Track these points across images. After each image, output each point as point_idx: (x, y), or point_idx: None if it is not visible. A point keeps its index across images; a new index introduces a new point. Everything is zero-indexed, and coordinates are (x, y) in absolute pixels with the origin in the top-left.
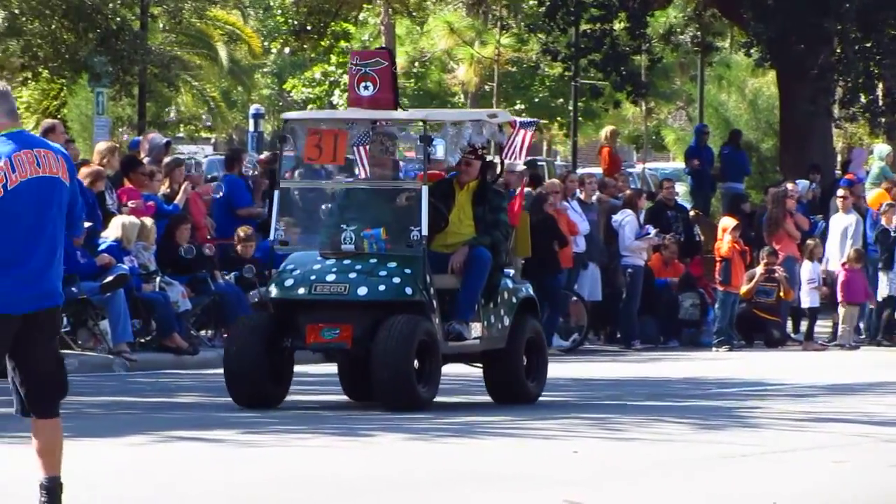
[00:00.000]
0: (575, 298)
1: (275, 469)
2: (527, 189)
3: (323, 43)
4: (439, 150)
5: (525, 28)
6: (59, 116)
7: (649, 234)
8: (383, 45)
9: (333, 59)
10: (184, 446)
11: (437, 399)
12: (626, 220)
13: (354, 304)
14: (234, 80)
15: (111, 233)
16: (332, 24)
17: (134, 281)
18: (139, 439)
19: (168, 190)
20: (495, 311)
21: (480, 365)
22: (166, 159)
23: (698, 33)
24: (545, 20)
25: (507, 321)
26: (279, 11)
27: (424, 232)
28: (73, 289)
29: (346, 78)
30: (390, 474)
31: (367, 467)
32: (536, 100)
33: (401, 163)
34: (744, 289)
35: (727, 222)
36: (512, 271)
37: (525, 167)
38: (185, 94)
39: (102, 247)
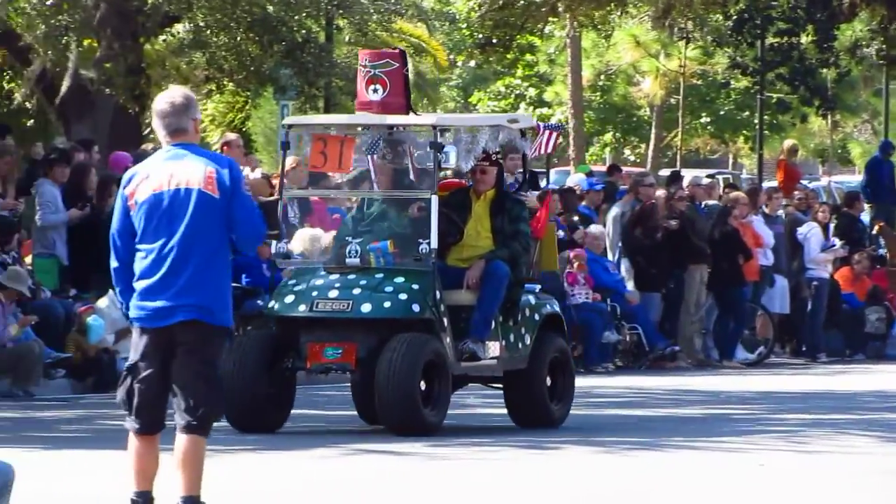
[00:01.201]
0: (761, 312)
1: (464, 482)
2: (712, 202)
3: (508, 56)
4: (451, 156)
5: (711, 42)
6: (243, 129)
7: (834, 246)
8: (569, 60)
9: (519, 72)
10: (373, 459)
11: (623, 412)
12: (811, 232)
13: (358, 322)
14: (419, 92)
15: (295, 246)
16: (518, 37)
17: None
18: (327, 452)
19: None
20: (515, 329)
21: (500, 386)
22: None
23: (883, 46)
24: (732, 34)
25: (528, 340)
26: (464, 24)
27: (434, 245)
28: (259, 301)
29: (531, 91)
30: (576, 487)
31: (553, 480)
32: (722, 112)
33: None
34: None
35: None
36: (537, 287)
37: (710, 180)
38: None
39: None
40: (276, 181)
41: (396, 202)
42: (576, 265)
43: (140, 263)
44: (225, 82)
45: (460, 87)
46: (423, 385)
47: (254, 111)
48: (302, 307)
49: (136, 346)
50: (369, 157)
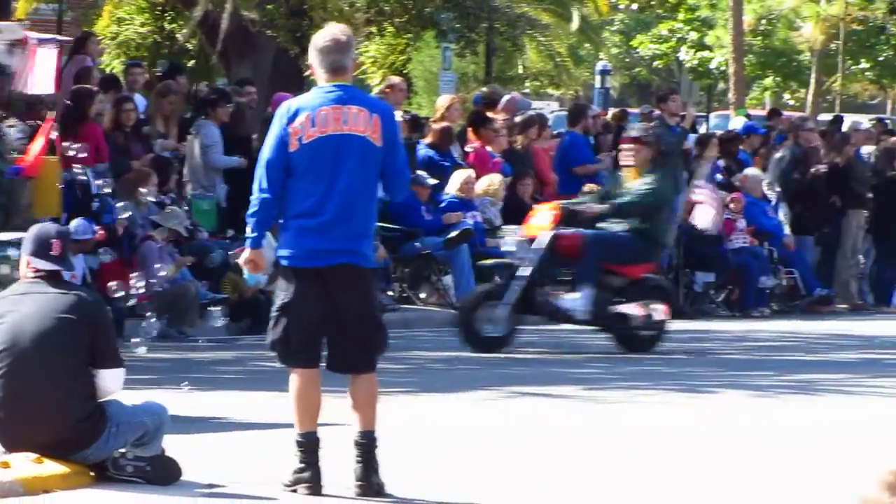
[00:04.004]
0: None
1: (623, 422)
2: (872, 147)
3: (671, 0)
4: None
5: None
6: (404, 72)
7: None
8: (730, 3)
9: (681, 15)
10: (529, 402)
11: (779, 356)
12: None
13: None
14: (583, 36)
15: (450, 187)
16: None
17: (478, 236)
18: (484, 395)
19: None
20: None
21: None
22: (518, 118)
23: None
24: None
25: None
26: None
27: None
28: (417, 244)
29: (692, 35)
30: (732, 430)
31: (709, 422)
32: (882, 58)
33: None
34: None
35: None
36: None
37: (871, 125)
38: (530, 50)
39: (443, 203)
40: (438, 125)
41: None
42: (734, 209)
43: (297, 203)
44: (386, 25)
45: (622, 33)
46: None
47: (415, 54)
48: None
49: (287, 286)
50: None
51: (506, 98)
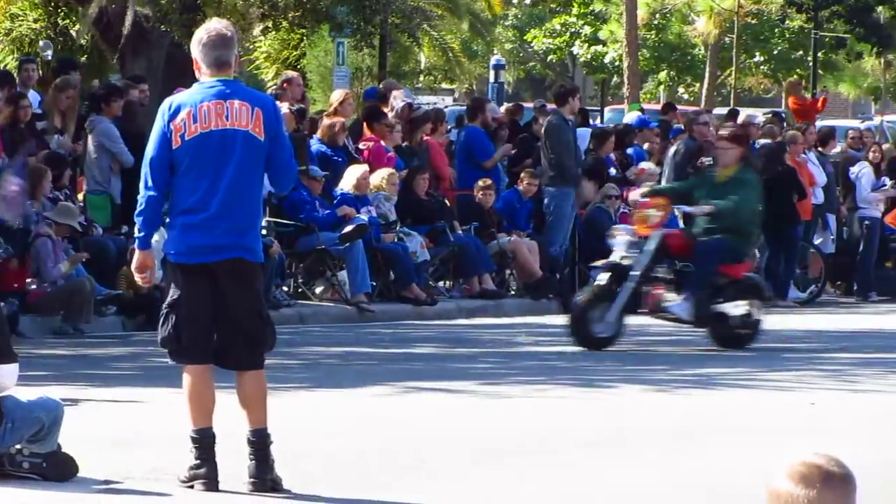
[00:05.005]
0: (813, 251)
1: (516, 420)
2: (766, 140)
3: None
4: None
5: None
6: (298, 67)
7: (885, 185)
8: None
9: (574, 10)
10: (426, 397)
11: (675, 350)
12: (862, 172)
13: None
14: (475, 32)
15: (344, 183)
16: None
17: (373, 231)
18: (380, 390)
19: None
20: None
21: None
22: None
23: None
24: None
25: None
26: None
27: None
28: (312, 239)
29: (586, 29)
30: (631, 425)
31: (607, 418)
32: (776, 52)
33: None
34: None
35: None
36: None
37: (766, 117)
38: (425, 45)
39: (338, 199)
40: (330, 119)
41: None
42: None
43: (182, 200)
44: (280, 20)
45: (516, 28)
46: None
47: (309, 49)
48: None
49: (175, 282)
50: None
51: (400, 104)
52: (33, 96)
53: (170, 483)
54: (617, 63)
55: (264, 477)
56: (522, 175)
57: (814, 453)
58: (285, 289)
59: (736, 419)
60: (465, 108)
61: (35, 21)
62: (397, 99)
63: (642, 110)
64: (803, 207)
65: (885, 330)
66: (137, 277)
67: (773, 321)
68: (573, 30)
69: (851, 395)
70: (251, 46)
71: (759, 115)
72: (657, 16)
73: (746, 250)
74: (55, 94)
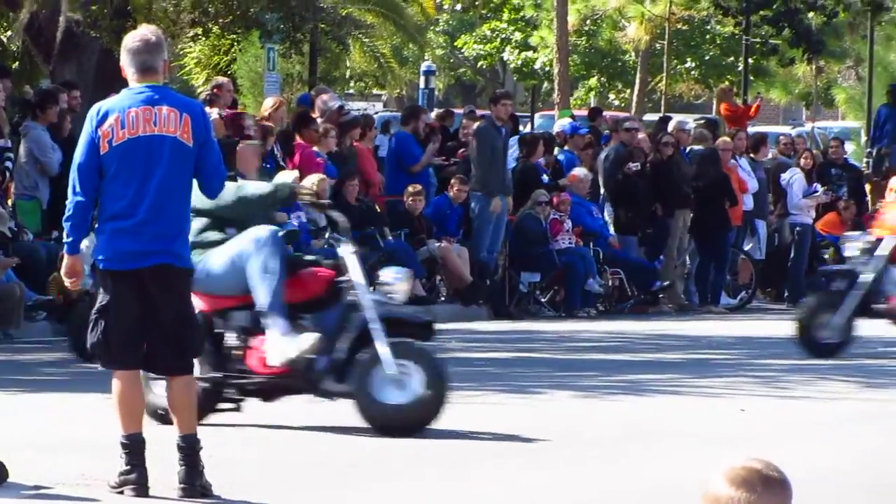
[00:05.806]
0: (743, 257)
1: (450, 423)
2: (698, 147)
3: (494, 0)
4: None
5: None
6: (228, 73)
7: (817, 192)
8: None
9: (504, 16)
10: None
11: (605, 357)
12: (794, 178)
13: None
14: (407, 37)
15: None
16: None
17: (303, 237)
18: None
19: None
20: None
21: None
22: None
23: None
24: None
25: None
26: None
27: None
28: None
29: (517, 35)
30: (558, 430)
31: (536, 424)
32: (707, 57)
33: None
34: None
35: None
36: None
37: (697, 123)
38: (355, 51)
39: None
40: (263, 123)
41: None
42: (560, 209)
43: (110, 205)
44: (211, 26)
45: (446, 33)
46: None
47: (239, 55)
48: None
49: (105, 287)
50: None
51: (333, 104)
52: None
53: (100, 489)
54: (547, 69)
55: (194, 483)
56: (452, 181)
57: (751, 458)
58: None
59: (665, 425)
60: (394, 114)
61: None
62: (326, 103)
63: (573, 117)
64: (734, 213)
65: None
66: (67, 282)
67: (704, 328)
68: (504, 36)
69: (781, 401)
70: (182, 52)
71: (690, 121)
72: (588, 22)
73: None
74: None
